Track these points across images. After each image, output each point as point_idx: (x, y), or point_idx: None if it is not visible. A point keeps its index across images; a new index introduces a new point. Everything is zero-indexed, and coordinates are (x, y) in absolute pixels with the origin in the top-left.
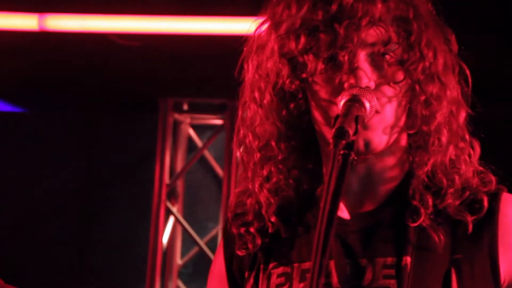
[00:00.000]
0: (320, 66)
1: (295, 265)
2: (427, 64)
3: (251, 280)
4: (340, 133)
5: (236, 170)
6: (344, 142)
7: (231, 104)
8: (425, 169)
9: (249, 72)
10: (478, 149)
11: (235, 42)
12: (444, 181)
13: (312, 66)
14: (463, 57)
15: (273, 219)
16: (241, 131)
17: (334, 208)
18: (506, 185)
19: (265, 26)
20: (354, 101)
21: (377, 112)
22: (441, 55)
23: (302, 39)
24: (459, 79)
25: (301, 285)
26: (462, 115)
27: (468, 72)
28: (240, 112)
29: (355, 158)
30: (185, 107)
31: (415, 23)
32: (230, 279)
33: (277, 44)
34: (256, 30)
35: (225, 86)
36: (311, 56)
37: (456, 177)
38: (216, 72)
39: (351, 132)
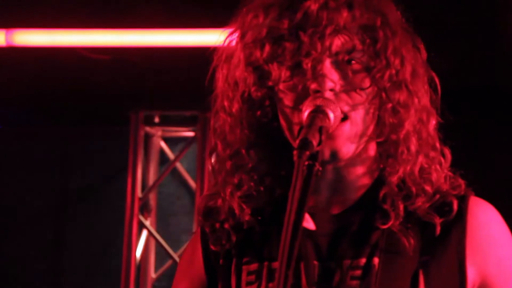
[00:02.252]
0: (285, 73)
1: (265, 263)
2: (393, 71)
3: (224, 273)
4: (304, 144)
5: (209, 182)
6: (308, 153)
7: (202, 116)
8: (396, 177)
9: (219, 82)
10: (449, 156)
11: (205, 53)
12: (414, 190)
13: (276, 74)
14: (433, 65)
15: (247, 218)
16: (212, 140)
17: (298, 220)
18: (474, 189)
19: (235, 35)
20: (318, 112)
21: (343, 119)
22: (409, 62)
23: (267, 48)
24: (429, 87)
25: (270, 285)
26: (432, 123)
27: (437, 80)
28: (212, 122)
29: (320, 168)
30: (156, 119)
31: (381, 31)
32: (207, 266)
33: (243, 53)
34: (225, 40)
35: (196, 98)
36: (275, 65)
37: (427, 186)
38: (186, 84)
39: (315, 142)
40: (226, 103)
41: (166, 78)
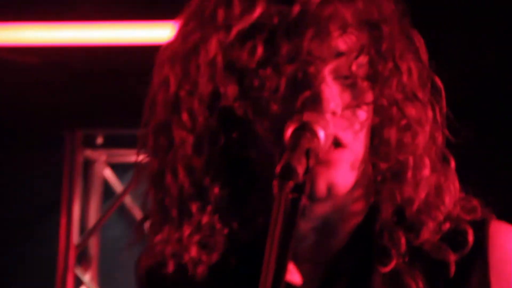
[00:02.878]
0: (282, 83)
1: None
2: (404, 78)
3: None
4: (287, 172)
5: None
6: (291, 183)
7: None
8: (397, 202)
9: (169, 88)
10: (455, 173)
11: (153, 53)
12: (424, 217)
13: (271, 83)
14: (435, 68)
15: (201, 272)
16: (156, 165)
17: (280, 273)
18: (494, 211)
19: (187, 28)
20: (304, 130)
21: (339, 145)
22: (414, 66)
23: (259, 49)
24: (432, 95)
25: None
26: (439, 138)
27: (441, 86)
28: (151, 142)
29: (307, 204)
30: (100, 140)
31: (385, 28)
32: None
33: (220, 55)
34: (176, 33)
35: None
36: (269, 71)
37: (436, 213)
38: (139, 93)
39: (300, 170)
40: (185, 117)
41: (112, 86)
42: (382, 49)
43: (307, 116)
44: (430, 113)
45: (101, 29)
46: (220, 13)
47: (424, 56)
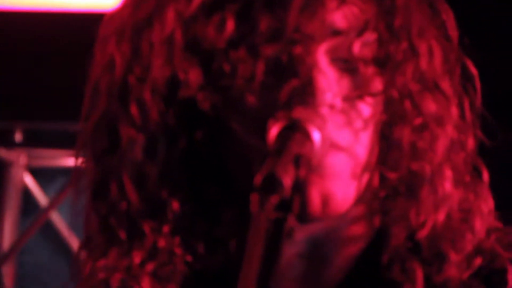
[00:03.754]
0: (260, 68)
1: None
2: (422, 64)
3: None
4: (270, 185)
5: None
6: (275, 198)
7: None
8: (411, 225)
9: (114, 71)
10: (489, 191)
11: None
12: (445, 247)
13: (246, 69)
14: (467, 49)
15: None
16: (97, 171)
17: None
18: None
19: None
20: (294, 130)
21: (336, 147)
22: (437, 47)
23: (229, 24)
24: (463, 86)
25: None
26: (471, 143)
27: (475, 73)
28: (91, 141)
29: (295, 225)
30: (18, 137)
31: None
32: None
33: (179, 30)
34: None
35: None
36: (243, 52)
37: (464, 243)
38: (68, 75)
39: (287, 181)
40: (134, 110)
41: (35, 66)
42: (395, 24)
43: (297, 112)
44: (455, 110)
45: None
46: None
47: (453, 32)
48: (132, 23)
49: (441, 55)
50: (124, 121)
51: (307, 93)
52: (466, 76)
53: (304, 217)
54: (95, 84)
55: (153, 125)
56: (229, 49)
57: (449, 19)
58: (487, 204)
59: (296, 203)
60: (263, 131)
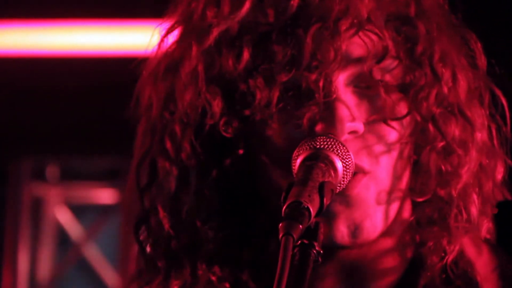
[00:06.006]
0: (276, 95)
1: None
2: (444, 89)
3: None
4: (295, 213)
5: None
6: (301, 227)
7: (125, 168)
8: (445, 256)
9: (151, 109)
10: None
11: (130, 65)
12: (474, 277)
13: (263, 97)
14: (496, 76)
15: None
16: (145, 203)
17: None
18: None
19: (175, 34)
20: (318, 160)
21: (361, 172)
22: (462, 75)
23: (246, 54)
24: (491, 113)
25: None
26: (500, 170)
27: (504, 101)
28: (133, 176)
29: (321, 252)
30: (52, 172)
31: (421, 25)
32: None
33: (201, 63)
34: (160, 42)
35: (117, 138)
36: (260, 81)
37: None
38: (101, 116)
39: (312, 210)
40: (168, 145)
41: (68, 104)
42: (416, 51)
43: (320, 141)
44: (481, 136)
45: (54, 31)
46: (208, 15)
47: (481, 61)
48: (166, 64)
49: (466, 82)
50: (160, 155)
51: (328, 122)
52: (495, 104)
53: (331, 245)
54: (139, 124)
55: (185, 157)
56: (247, 78)
57: (477, 48)
58: None
59: (321, 231)
60: (288, 161)
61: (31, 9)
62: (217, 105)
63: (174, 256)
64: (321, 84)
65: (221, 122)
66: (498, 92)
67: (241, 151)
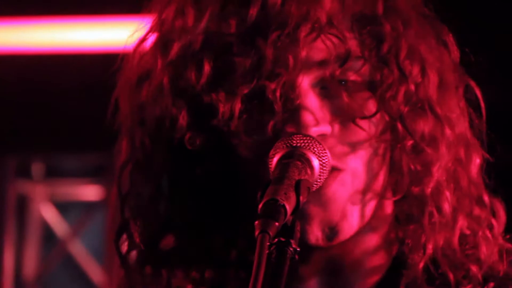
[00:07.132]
0: (238, 107)
1: None
2: (411, 86)
3: None
4: (270, 211)
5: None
6: (277, 224)
7: (110, 165)
8: (423, 255)
9: (127, 118)
10: (503, 214)
11: (115, 62)
12: (451, 275)
13: (226, 110)
14: (472, 70)
15: None
16: (125, 212)
17: None
18: None
19: (150, 40)
20: (294, 158)
21: (336, 170)
22: (433, 70)
23: (206, 67)
24: (467, 106)
25: None
26: (476, 163)
27: (479, 93)
28: (115, 184)
29: (298, 249)
30: (37, 170)
31: (387, 23)
32: None
33: (166, 76)
34: (136, 47)
35: (103, 135)
36: (222, 94)
37: (473, 266)
38: (86, 113)
39: (288, 208)
40: (140, 155)
41: (54, 101)
42: (383, 50)
43: (297, 140)
44: (449, 131)
45: (38, 28)
46: (176, 26)
47: (454, 54)
48: (138, 75)
49: (437, 77)
50: (135, 166)
51: (293, 129)
52: (472, 96)
53: (306, 243)
54: (129, 136)
55: (157, 168)
56: (210, 91)
57: (449, 40)
58: (496, 225)
59: (298, 229)
60: (257, 169)
61: (14, 6)
62: (183, 119)
63: (152, 265)
64: (282, 92)
65: (187, 136)
66: (473, 83)
67: (212, 161)
